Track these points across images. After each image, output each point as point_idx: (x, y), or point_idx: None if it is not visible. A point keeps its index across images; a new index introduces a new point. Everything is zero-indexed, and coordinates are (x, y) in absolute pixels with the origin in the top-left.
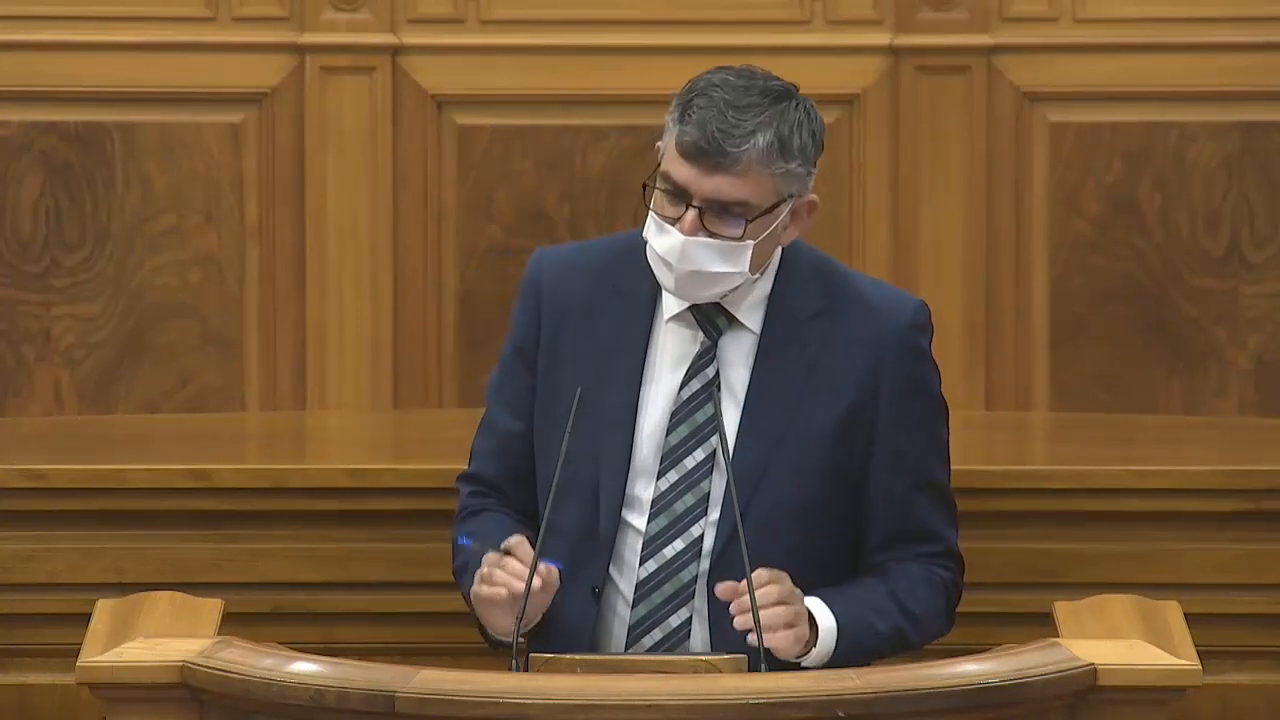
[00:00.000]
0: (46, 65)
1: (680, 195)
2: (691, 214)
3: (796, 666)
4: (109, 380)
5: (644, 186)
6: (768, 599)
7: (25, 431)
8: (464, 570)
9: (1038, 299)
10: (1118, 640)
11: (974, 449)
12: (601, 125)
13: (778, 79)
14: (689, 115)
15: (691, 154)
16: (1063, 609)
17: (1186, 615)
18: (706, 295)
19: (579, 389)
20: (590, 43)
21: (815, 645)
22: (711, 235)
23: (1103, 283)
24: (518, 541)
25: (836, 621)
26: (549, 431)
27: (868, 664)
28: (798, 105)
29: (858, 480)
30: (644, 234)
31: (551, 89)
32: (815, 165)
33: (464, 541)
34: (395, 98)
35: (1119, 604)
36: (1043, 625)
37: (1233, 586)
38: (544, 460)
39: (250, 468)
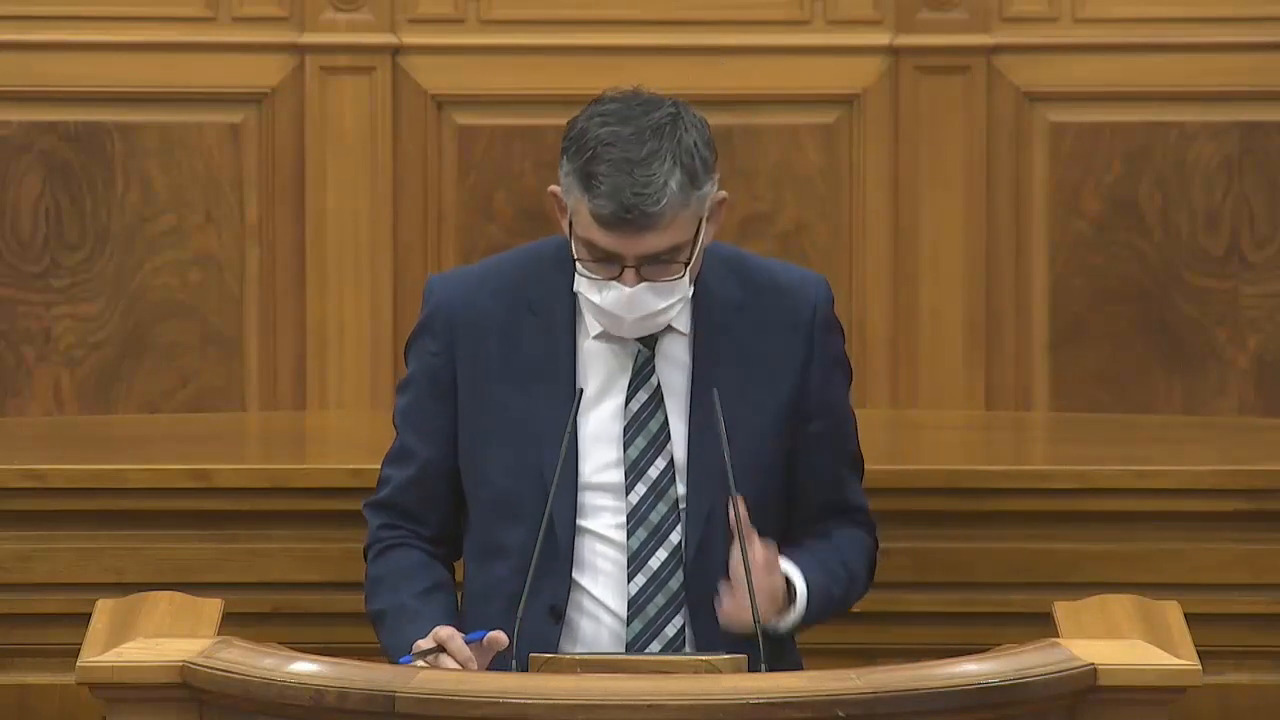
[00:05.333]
0: (46, 65)
1: (612, 260)
2: (629, 272)
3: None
4: (109, 380)
5: (575, 263)
6: (771, 569)
7: (25, 431)
8: (378, 623)
9: (1038, 299)
10: (1118, 640)
11: (974, 449)
12: None
13: (655, 102)
14: (595, 185)
15: (612, 224)
16: (1063, 609)
17: (1186, 615)
18: (656, 327)
19: (579, 389)
20: (590, 43)
21: (790, 612)
22: (653, 280)
23: (1103, 283)
24: (449, 635)
25: (808, 589)
26: (482, 454)
27: (811, 626)
28: (686, 125)
29: (794, 458)
30: (576, 288)
31: (551, 89)
32: (716, 168)
33: (405, 660)
34: (395, 98)
35: (1119, 604)
36: (1043, 625)
37: (1233, 586)
38: (477, 481)
39: (250, 468)
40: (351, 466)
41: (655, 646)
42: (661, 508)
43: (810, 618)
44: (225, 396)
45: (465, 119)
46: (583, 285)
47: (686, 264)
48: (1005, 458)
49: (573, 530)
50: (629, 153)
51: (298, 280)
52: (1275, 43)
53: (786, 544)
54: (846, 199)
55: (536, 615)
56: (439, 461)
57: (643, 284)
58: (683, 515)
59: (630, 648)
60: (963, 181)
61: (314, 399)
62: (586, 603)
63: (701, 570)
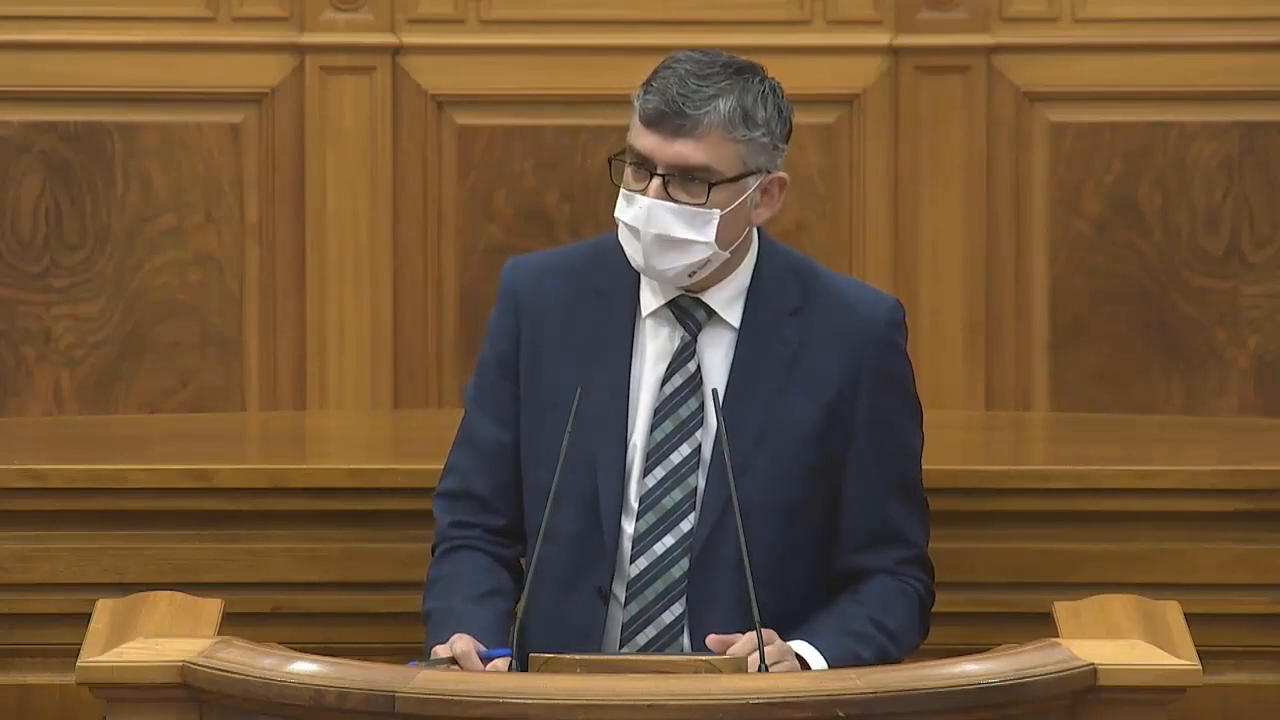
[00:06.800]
0: (46, 65)
1: (645, 165)
2: (656, 181)
3: None
4: (109, 380)
5: (609, 162)
6: (769, 659)
7: (25, 431)
8: (427, 622)
9: (1038, 299)
10: (1118, 640)
11: (974, 449)
12: (601, 125)
13: (737, 57)
14: (650, 86)
15: (653, 120)
16: (1063, 609)
17: (1186, 615)
18: (676, 268)
19: (579, 389)
20: (590, 43)
21: None
22: (676, 198)
23: (1103, 283)
24: (463, 652)
25: (827, 664)
26: (537, 436)
27: None
28: (761, 80)
29: (836, 478)
30: (615, 213)
31: (551, 89)
32: (784, 142)
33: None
34: (395, 98)
35: (1119, 604)
36: (1043, 625)
37: (1233, 586)
38: (533, 465)
39: (250, 468)
40: (351, 466)
41: (651, 632)
42: (677, 494)
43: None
44: (225, 396)
45: (465, 119)
46: (619, 207)
47: (713, 187)
48: (1005, 458)
49: (619, 512)
50: (694, 69)
51: (298, 280)
52: (1275, 43)
53: (827, 571)
54: (846, 199)
55: (585, 596)
56: (510, 444)
57: (663, 202)
58: (698, 506)
59: (625, 629)
60: (963, 181)
61: (314, 399)
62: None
63: (708, 563)
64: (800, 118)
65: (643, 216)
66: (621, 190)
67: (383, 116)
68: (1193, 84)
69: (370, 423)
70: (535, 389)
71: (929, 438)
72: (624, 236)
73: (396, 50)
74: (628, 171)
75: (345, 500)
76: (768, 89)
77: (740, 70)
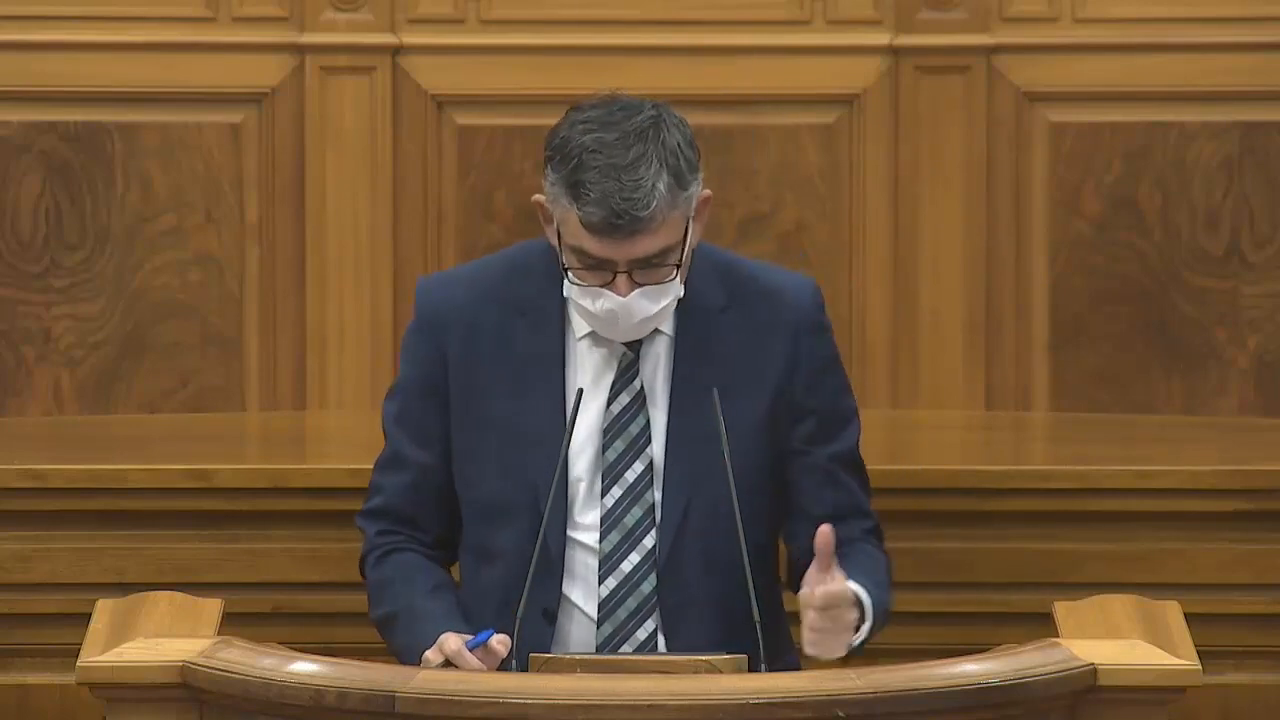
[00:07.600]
0: (46, 65)
1: (605, 266)
2: (622, 278)
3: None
4: (109, 380)
5: (565, 271)
6: (842, 619)
7: (25, 431)
8: (388, 626)
9: (1038, 299)
10: (1118, 640)
11: (974, 449)
12: None
13: (635, 106)
14: (584, 193)
15: (605, 231)
16: (1063, 609)
17: (1186, 615)
18: (648, 330)
19: (579, 389)
20: (590, 43)
21: (860, 631)
22: (645, 284)
23: (1103, 283)
24: (455, 651)
25: (873, 610)
26: (474, 455)
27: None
28: (668, 126)
29: (787, 465)
30: (567, 294)
31: (551, 89)
32: (700, 167)
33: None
34: (395, 98)
35: (1119, 604)
36: (1043, 625)
37: (1233, 586)
38: (471, 485)
39: (250, 468)
40: (351, 466)
41: (626, 649)
42: (636, 511)
43: (871, 633)
44: (225, 396)
45: (465, 119)
46: (574, 292)
47: (677, 265)
48: (1005, 458)
49: (564, 533)
50: (615, 158)
51: (298, 280)
52: (1275, 43)
53: (788, 547)
54: (846, 199)
55: (531, 617)
56: (435, 466)
57: (636, 291)
58: (657, 520)
59: (600, 650)
60: (963, 181)
61: (314, 399)
62: (565, 604)
63: (674, 575)
64: (800, 118)
65: (618, 312)
66: (572, 280)
67: (383, 116)
68: (1193, 84)
69: (370, 423)
70: (467, 409)
71: (929, 437)
72: (591, 321)
73: (396, 50)
74: (577, 263)
75: (345, 500)
76: (677, 134)
77: (652, 132)
